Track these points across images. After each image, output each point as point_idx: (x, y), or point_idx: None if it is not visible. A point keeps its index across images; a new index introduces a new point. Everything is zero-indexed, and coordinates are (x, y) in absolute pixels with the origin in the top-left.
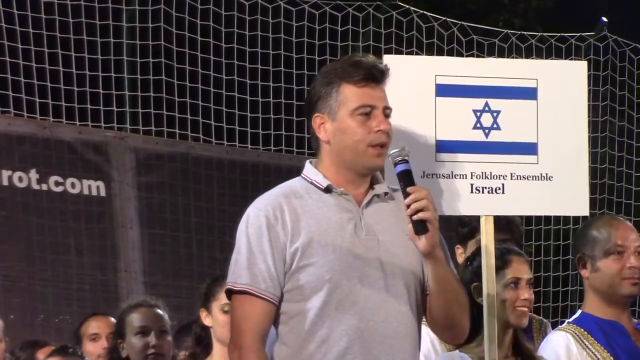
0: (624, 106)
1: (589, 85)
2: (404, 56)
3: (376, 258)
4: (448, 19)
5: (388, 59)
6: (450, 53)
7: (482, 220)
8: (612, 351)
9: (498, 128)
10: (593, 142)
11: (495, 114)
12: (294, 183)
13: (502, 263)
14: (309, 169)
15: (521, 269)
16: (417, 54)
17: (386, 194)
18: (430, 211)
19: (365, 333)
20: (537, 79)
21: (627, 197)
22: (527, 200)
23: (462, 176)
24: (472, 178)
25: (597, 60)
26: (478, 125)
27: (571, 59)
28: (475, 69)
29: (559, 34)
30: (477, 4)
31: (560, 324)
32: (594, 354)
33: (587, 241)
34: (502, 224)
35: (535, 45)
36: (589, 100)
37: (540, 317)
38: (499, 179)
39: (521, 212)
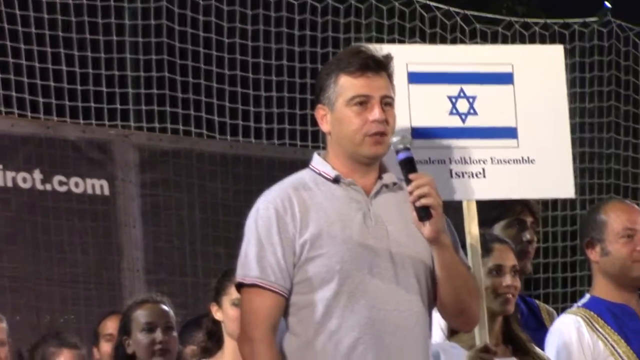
0: (629, 90)
1: (592, 70)
2: (373, 45)
3: (385, 248)
4: (451, 8)
5: None
6: (453, 42)
7: (465, 205)
8: (622, 334)
9: (475, 113)
10: (599, 128)
11: (471, 100)
12: (302, 175)
13: (484, 251)
14: (316, 160)
15: (504, 256)
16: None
17: (394, 184)
18: (433, 197)
19: (376, 323)
20: (512, 64)
21: (634, 182)
22: (510, 183)
23: (440, 162)
24: (451, 163)
25: (602, 45)
26: (454, 111)
27: (575, 45)
28: (447, 56)
29: (563, 20)
30: None
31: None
32: (605, 337)
33: (596, 225)
34: (534, 207)
35: (539, 32)
36: (593, 86)
37: (547, 307)
38: (479, 163)
39: (504, 195)
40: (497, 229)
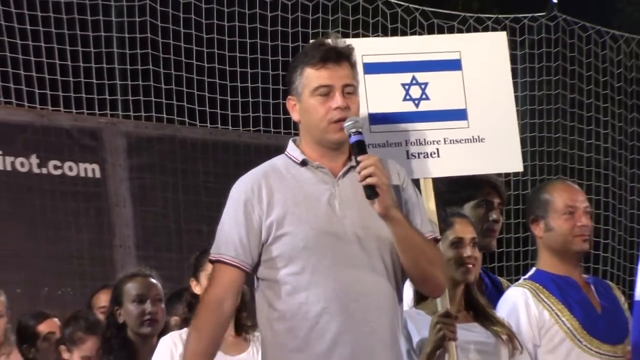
0: (575, 79)
1: (541, 61)
2: (335, 37)
3: (350, 226)
4: (410, 5)
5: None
6: (413, 36)
7: (422, 182)
8: (566, 303)
9: (427, 98)
10: (547, 114)
11: (423, 86)
12: (276, 160)
13: (445, 225)
14: (290, 146)
15: (464, 230)
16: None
17: None
18: (377, 176)
19: (340, 293)
20: (460, 51)
21: (579, 163)
22: (462, 161)
23: (396, 144)
24: (407, 145)
25: (549, 38)
26: (407, 97)
27: (524, 38)
28: (399, 46)
29: (513, 15)
30: None
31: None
32: (550, 307)
33: (540, 204)
34: (501, 189)
35: (492, 26)
36: (542, 75)
37: (509, 283)
38: (434, 144)
39: (457, 172)
40: (467, 208)
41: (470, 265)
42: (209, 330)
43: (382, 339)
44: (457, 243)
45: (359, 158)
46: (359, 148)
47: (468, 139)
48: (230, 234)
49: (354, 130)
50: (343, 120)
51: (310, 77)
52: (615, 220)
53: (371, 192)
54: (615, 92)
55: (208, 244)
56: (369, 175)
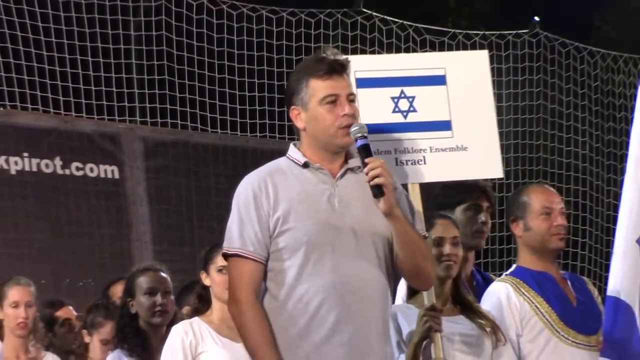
0: (555, 91)
1: (524, 74)
2: (331, 51)
3: (348, 223)
4: (404, 22)
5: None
6: (407, 50)
7: (410, 187)
8: (544, 296)
9: (414, 110)
10: (529, 123)
11: (410, 99)
12: (279, 161)
13: (429, 225)
14: (292, 149)
15: (445, 230)
16: (378, 52)
17: (359, 167)
18: (384, 177)
19: (338, 285)
20: (445, 68)
21: (559, 168)
22: (447, 168)
23: (386, 152)
24: (396, 153)
25: (531, 53)
26: (396, 109)
27: (509, 53)
28: (389, 63)
29: (499, 32)
30: (429, 8)
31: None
32: (530, 299)
33: (519, 205)
34: (489, 193)
35: (479, 42)
36: (524, 87)
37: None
38: (421, 152)
39: (443, 178)
40: (458, 211)
41: (451, 262)
42: (259, 326)
43: (376, 328)
44: (439, 242)
45: (366, 160)
46: (365, 151)
47: (452, 148)
48: (246, 229)
49: (359, 135)
50: (350, 126)
51: (317, 87)
52: (592, 220)
53: (378, 191)
54: (593, 103)
55: (218, 239)
56: (377, 176)
